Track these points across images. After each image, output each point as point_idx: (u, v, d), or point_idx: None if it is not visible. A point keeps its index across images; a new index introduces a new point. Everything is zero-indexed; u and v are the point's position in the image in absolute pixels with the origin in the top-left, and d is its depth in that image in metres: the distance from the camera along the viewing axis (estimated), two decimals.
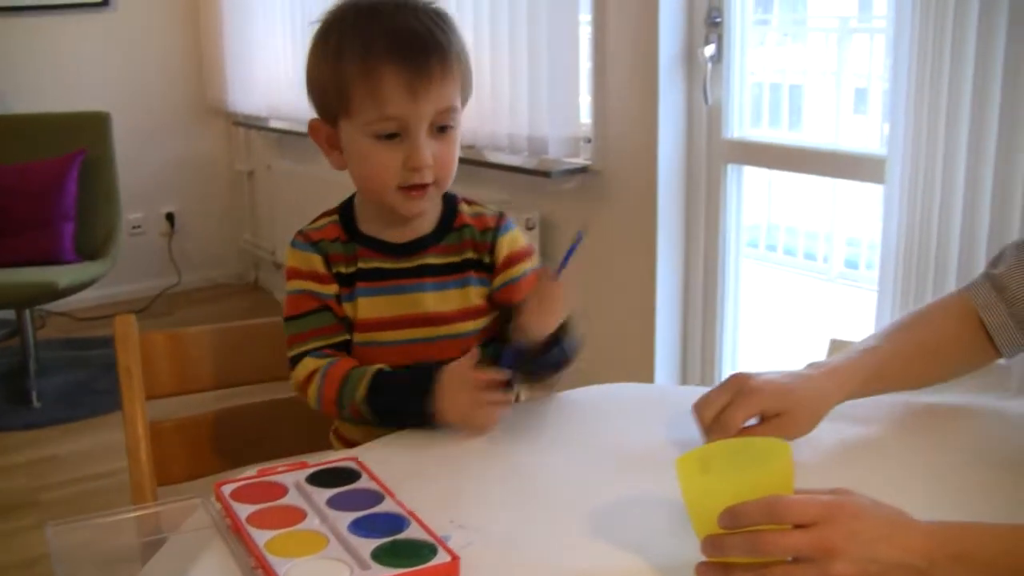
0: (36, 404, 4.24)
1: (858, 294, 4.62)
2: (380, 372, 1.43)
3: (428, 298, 1.48)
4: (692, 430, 1.28)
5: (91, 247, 4.53)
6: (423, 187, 1.42)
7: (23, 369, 4.45)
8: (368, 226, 1.51)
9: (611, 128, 3.35)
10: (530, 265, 1.54)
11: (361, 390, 1.42)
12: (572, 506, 1.19)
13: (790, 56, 4.87)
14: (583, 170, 3.44)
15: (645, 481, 1.24)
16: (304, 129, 5.03)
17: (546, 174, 3.43)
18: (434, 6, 1.46)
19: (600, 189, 3.41)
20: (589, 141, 3.44)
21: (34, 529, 3.18)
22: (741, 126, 3.15)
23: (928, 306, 1.51)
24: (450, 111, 1.41)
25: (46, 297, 4.25)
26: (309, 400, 1.47)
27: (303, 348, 1.48)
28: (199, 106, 5.74)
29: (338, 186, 5.23)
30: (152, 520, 1.30)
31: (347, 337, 1.49)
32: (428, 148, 1.39)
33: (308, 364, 1.46)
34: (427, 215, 1.51)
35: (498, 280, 1.52)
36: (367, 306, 1.48)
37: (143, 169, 5.45)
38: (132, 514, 1.24)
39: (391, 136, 1.39)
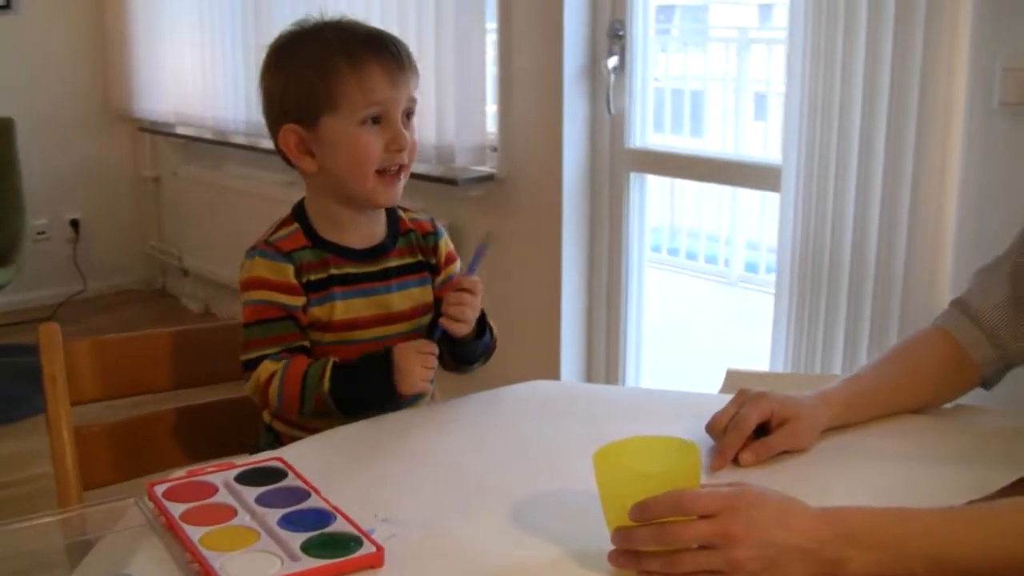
0: None
1: (759, 297, 4.78)
2: (336, 365, 1.54)
3: (394, 298, 1.64)
4: (603, 425, 1.37)
5: None
6: (397, 173, 1.58)
7: None
8: (328, 233, 1.62)
9: (517, 137, 3.44)
10: (457, 266, 1.71)
11: (325, 384, 1.52)
12: (491, 498, 1.27)
13: (691, 64, 5.00)
14: (489, 178, 3.52)
15: (561, 474, 1.33)
16: (211, 136, 4.99)
17: (453, 182, 3.51)
18: None
19: (506, 197, 3.49)
20: (495, 150, 3.52)
21: None
22: (643, 135, 3.25)
23: (909, 337, 1.61)
24: (414, 99, 1.59)
25: None
26: (270, 399, 1.56)
27: (263, 352, 1.57)
28: (104, 112, 5.69)
29: (244, 194, 5.21)
30: (79, 521, 1.36)
31: (305, 343, 1.59)
32: (404, 131, 1.57)
33: (268, 367, 1.56)
34: (378, 223, 1.66)
35: (440, 278, 1.68)
36: (344, 308, 1.60)
37: (47, 175, 5.38)
38: (59, 516, 1.30)
39: (375, 120, 1.55)
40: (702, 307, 5.20)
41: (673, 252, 5.69)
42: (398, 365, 1.53)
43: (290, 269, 1.58)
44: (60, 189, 5.55)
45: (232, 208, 4.98)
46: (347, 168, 1.57)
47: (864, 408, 1.48)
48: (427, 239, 1.69)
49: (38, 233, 5.44)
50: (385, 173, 1.58)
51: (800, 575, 1.05)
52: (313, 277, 1.59)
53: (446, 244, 1.71)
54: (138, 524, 1.21)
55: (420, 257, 1.68)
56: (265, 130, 1.64)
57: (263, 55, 1.64)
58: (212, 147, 5.06)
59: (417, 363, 1.53)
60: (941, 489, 1.25)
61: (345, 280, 1.61)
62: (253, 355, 1.58)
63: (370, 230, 1.65)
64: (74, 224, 5.66)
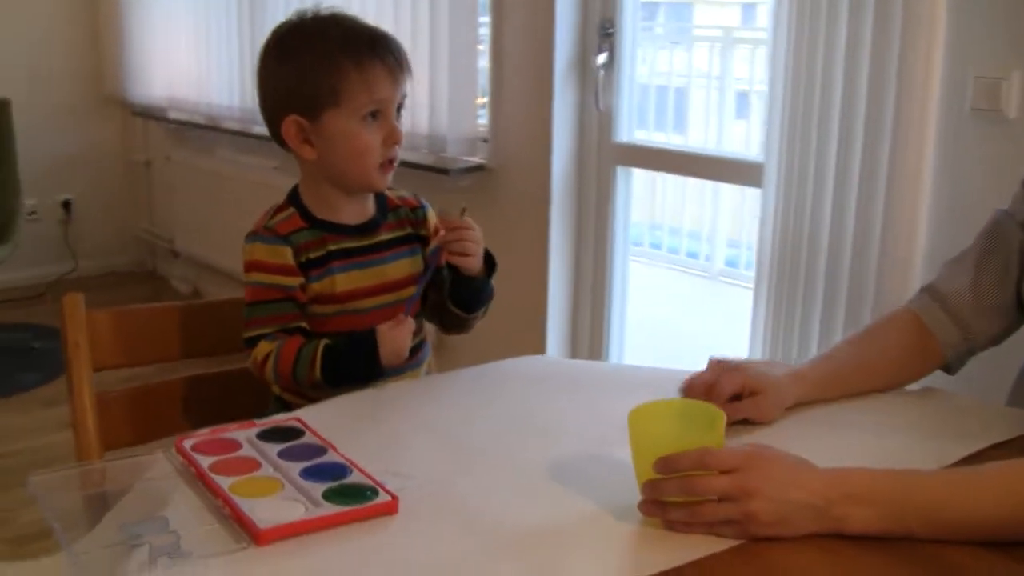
0: None
1: (738, 291, 4.90)
2: (327, 349, 1.65)
3: (389, 268, 1.76)
4: (598, 395, 1.47)
5: None
6: (392, 162, 1.71)
7: None
8: (322, 212, 1.74)
9: (507, 129, 3.54)
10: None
11: (317, 371, 1.64)
12: (496, 460, 1.38)
13: (676, 62, 5.11)
14: (480, 168, 3.62)
15: (561, 440, 1.44)
16: (203, 121, 5.08)
17: (444, 171, 3.60)
18: None
19: (496, 187, 3.59)
20: (486, 141, 3.63)
21: None
22: (630, 130, 3.36)
23: (881, 318, 1.74)
24: (405, 95, 1.72)
25: None
26: (267, 377, 1.68)
27: (260, 331, 1.69)
28: (97, 95, 5.78)
29: (235, 179, 5.30)
30: (99, 475, 1.47)
31: (302, 323, 1.70)
32: (399, 127, 1.70)
33: (263, 348, 1.68)
34: (369, 201, 1.78)
35: (430, 248, 1.78)
36: (345, 280, 1.72)
37: (39, 156, 5.45)
38: (104, 464, 1.40)
39: (374, 115, 1.67)
40: (683, 300, 5.31)
41: (655, 246, 5.81)
42: (382, 340, 1.64)
43: (288, 251, 1.70)
44: (52, 170, 5.63)
45: (223, 193, 5.07)
46: (348, 160, 1.69)
47: (833, 388, 1.59)
48: (416, 212, 1.82)
49: (29, 213, 5.50)
50: (381, 163, 1.70)
51: (808, 529, 1.16)
52: (312, 255, 1.71)
53: (433, 216, 1.84)
54: (166, 475, 1.32)
55: (410, 230, 1.80)
56: (257, 117, 1.75)
57: (262, 44, 1.74)
58: (204, 132, 5.14)
59: (399, 335, 1.65)
60: (904, 459, 1.35)
61: (343, 254, 1.72)
62: (253, 333, 1.70)
63: (362, 208, 1.77)
64: (66, 205, 5.73)
